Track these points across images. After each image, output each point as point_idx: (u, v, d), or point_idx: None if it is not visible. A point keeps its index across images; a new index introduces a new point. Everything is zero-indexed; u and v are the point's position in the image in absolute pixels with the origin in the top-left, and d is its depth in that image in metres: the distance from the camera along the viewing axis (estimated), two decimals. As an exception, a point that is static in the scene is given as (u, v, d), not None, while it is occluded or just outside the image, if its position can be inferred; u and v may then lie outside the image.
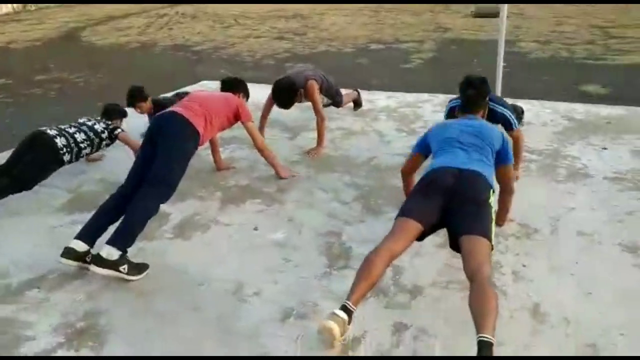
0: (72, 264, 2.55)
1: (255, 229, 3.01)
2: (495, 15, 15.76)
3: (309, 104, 4.24)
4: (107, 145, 3.82)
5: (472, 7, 16.61)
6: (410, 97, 5.58)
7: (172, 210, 3.17)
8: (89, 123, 3.74)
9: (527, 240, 2.77)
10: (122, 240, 2.49)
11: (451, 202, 2.32)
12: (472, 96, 2.89)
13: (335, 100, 4.59)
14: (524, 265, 2.55)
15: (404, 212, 2.36)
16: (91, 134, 3.65)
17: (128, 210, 2.60)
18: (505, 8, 5.07)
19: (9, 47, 12.77)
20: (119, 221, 2.62)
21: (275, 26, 15.41)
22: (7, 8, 19.37)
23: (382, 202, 3.25)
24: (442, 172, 2.43)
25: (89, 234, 2.62)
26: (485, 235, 2.19)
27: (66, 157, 3.48)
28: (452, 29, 13.83)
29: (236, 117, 3.36)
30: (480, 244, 2.16)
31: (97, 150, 3.79)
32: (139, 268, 2.53)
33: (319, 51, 11.59)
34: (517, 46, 11.01)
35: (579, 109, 4.90)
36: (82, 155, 3.63)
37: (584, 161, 3.68)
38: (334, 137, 4.31)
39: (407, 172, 3.03)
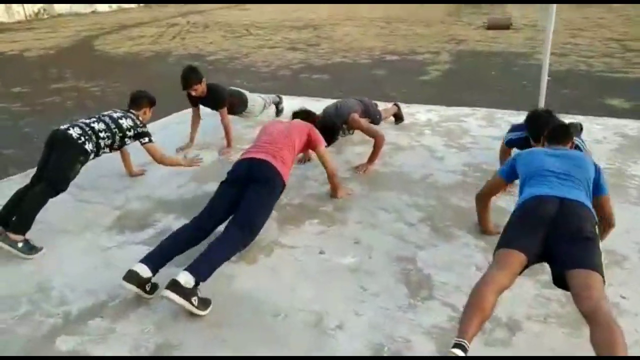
0: (133, 289, 2.37)
1: (322, 252, 2.83)
2: (507, 27, 15.85)
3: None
4: (130, 142, 3.59)
5: (484, 19, 16.61)
6: (450, 110, 5.43)
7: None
8: (115, 115, 3.49)
9: (618, 268, 2.60)
10: (201, 271, 2.33)
11: (554, 235, 2.14)
12: (564, 127, 2.78)
13: (374, 120, 4.43)
14: (623, 297, 2.38)
15: (506, 243, 2.19)
16: (112, 126, 3.40)
17: (214, 245, 2.48)
18: (552, 18, 4.94)
19: (23, 55, 12.66)
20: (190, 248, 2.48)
21: (288, 37, 15.34)
22: (19, 16, 19.32)
23: (451, 224, 3.08)
24: (541, 200, 2.26)
25: (156, 261, 2.46)
26: (597, 270, 2.01)
27: (88, 146, 3.22)
28: (466, 40, 13.76)
29: (307, 145, 3.30)
30: (593, 278, 1.97)
31: (120, 145, 3.52)
32: (205, 303, 2.36)
33: (334, 62, 11.49)
34: (534, 58, 10.93)
35: (631, 125, 4.76)
36: (102, 146, 3.36)
37: (653, 181, 3.53)
38: (382, 152, 4.14)
39: (485, 197, 2.89)
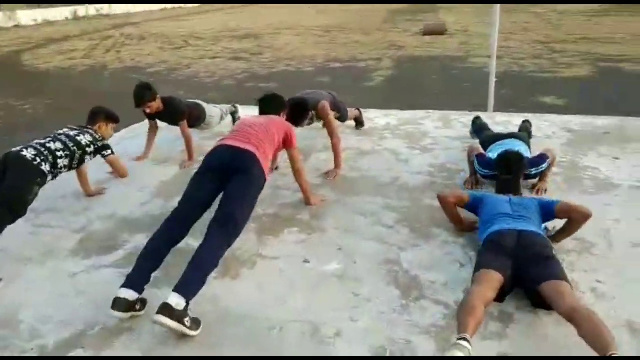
0: (124, 316, 2.24)
1: (306, 261, 2.79)
2: (442, 33, 16.50)
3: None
4: (90, 159, 3.44)
5: (420, 26, 17.21)
6: (406, 114, 5.54)
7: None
8: (71, 133, 3.32)
9: (589, 255, 2.74)
10: (190, 289, 2.21)
11: (519, 262, 2.37)
12: (509, 181, 3.06)
13: (342, 115, 4.48)
14: (599, 282, 2.50)
15: (484, 265, 2.38)
16: (71, 144, 3.24)
17: (199, 254, 2.34)
18: (497, 22, 5.19)
19: (-58, 73, 11.71)
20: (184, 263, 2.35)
21: (229, 47, 15.18)
22: None
23: (427, 224, 3.13)
24: (502, 234, 2.52)
25: (139, 280, 2.33)
26: (564, 279, 2.24)
27: (45, 167, 3.05)
28: (405, 46, 14.19)
29: (284, 143, 3.16)
30: (562, 285, 2.21)
31: (79, 164, 3.36)
32: (197, 322, 2.23)
33: (278, 70, 11.49)
34: (469, 62, 11.45)
35: (574, 121, 5.05)
36: (60, 166, 3.19)
37: (604, 172, 3.75)
38: (347, 157, 4.17)
39: (446, 203, 2.99)
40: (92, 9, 25.01)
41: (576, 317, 2.00)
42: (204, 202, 2.66)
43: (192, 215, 2.61)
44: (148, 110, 4.18)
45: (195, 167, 4.03)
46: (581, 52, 11.79)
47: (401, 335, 2.20)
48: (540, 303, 2.29)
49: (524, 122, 4.51)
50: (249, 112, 5.64)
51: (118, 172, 3.61)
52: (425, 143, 4.56)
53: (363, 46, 14.49)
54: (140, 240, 3.07)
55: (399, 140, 4.65)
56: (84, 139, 3.32)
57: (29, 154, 3.01)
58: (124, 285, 2.29)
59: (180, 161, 4.37)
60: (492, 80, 5.44)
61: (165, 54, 14.15)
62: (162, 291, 2.46)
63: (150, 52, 14.61)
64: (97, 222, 3.33)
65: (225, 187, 2.63)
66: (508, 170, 3.09)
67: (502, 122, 5.12)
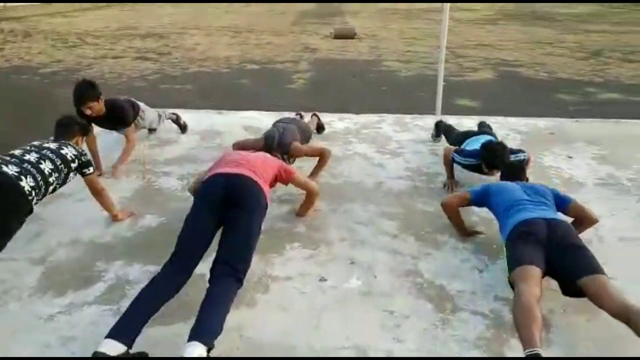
0: None
1: (322, 279, 2.57)
2: (352, 36, 16.83)
3: None
4: (73, 177, 2.91)
5: (329, 29, 17.42)
6: (361, 118, 5.46)
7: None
8: (52, 146, 2.80)
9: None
10: (211, 335, 1.93)
11: (552, 252, 2.34)
12: (518, 167, 3.15)
13: (310, 137, 4.27)
14: (611, 278, 2.58)
15: (524, 261, 2.31)
16: (58, 162, 2.73)
17: (212, 298, 2.07)
18: (445, 31, 5.32)
19: None
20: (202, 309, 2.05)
21: (133, 46, 14.15)
22: None
23: (430, 230, 3.06)
24: (531, 223, 2.46)
25: (130, 328, 1.95)
26: (603, 272, 2.24)
27: (34, 200, 2.54)
28: (319, 49, 14.23)
29: (280, 179, 2.97)
30: (604, 280, 2.19)
31: (62, 185, 2.83)
32: None
33: (193, 72, 10.92)
34: (383, 65, 11.76)
35: (520, 122, 5.32)
36: (49, 192, 2.69)
37: (566, 170, 3.97)
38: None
39: (451, 207, 2.98)
40: (-42, 0, 21.98)
41: (632, 318, 1.97)
42: (209, 238, 2.39)
43: (198, 254, 2.32)
44: (88, 112, 3.64)
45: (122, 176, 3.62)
46: (482, 57, 12.62)
47: (454, 351, 2.09)
48: (571, 292, 2.29)
49: (480, 123, 4.64)
50: (191, 116, 5.25)
51: (95, 193, 3.02)
52: (392, 147, 4.51)
53: (277, 48, 14.29)
54: (121, 268, 2.65)
55: (366, 145, 4.56)
56: (69, 152, 2.81)
57: (27, 184, 2.46)
58: (109, 335, 1.90)
59: (135, 172, 3.90)
60: (440, 84, 5.56)
61: (59, 53, 12.80)
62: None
63: (41, 50, 13.16)
64: (60, 249, 2.82)
65: (230, 219, 2.39)
66: (493, 155, 3.22)
67: (455, 125, 5.23)
